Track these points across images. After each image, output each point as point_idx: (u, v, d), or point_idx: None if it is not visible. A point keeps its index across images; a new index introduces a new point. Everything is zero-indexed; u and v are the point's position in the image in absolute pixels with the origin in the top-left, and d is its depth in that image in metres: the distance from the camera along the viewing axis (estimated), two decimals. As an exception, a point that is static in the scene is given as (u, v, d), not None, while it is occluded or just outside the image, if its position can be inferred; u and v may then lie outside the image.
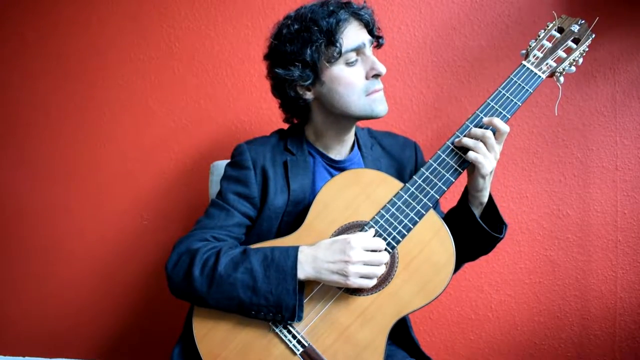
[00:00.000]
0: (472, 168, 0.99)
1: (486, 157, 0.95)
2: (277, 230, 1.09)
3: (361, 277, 0.92)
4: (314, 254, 0.94)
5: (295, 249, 0.95)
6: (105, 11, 1.70)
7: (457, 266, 0.99)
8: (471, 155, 0.95)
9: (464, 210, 1.04)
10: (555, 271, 1.54)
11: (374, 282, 0.94)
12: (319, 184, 1.09)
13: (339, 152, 1.15)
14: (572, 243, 1.52)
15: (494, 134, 0.96)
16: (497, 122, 0.96)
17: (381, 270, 0.94)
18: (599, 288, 1.51)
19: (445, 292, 0.99)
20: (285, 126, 1.21)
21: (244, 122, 1.66)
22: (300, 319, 0.95)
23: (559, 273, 1.53)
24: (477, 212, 1.03)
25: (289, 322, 0.95)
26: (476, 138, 0.96)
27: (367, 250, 0.93)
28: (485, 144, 0.95)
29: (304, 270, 0.93)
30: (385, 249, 0.96)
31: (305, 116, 1.14)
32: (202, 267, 0.96)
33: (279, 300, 0.93)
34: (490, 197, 1.04)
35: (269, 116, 1.64)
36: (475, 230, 1.02)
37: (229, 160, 1.16)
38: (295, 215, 1.08)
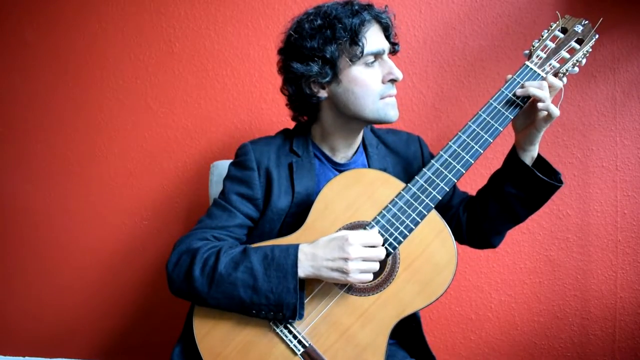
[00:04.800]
0: (523, 121, 1.01)
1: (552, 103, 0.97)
2: (279, 231, 1.09)
3: (361, 272, 0.92)
4: (314, 252, 0.94)
5: (295, 248, 0.95)
6: (105, 11, 1.70)
7: (502, 233, 1.05)
8: (541, 105, 0.96)
9: (516, 167, 1.03)
10: (555, 271, 1.54)
11: (372, 276, 0.94)
12: (323, 186, 1.09)
13: (345, 154, 1.14)
14: (572, 243, 1.52)
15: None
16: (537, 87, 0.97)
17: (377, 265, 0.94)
18: (599, 288, 1.51)
19: (446, 292, 0.99)
20: (291, 125, 1.21)
21: (244, 122, 1.65)
22: (301, 317, 0.95)
23: (559, 273, 1.54)
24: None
25: (289, 321, 0.95)
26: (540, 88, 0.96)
27: (365, 246, 0.93)
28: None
29: (304, 268, 0.93)
30: (385, 248, 0.95)
31: (313, 115, 1.13)
32: (203, 266, 0.96)
33: (279, 299, 0.93)
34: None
35: (269, 116, 1.64)
36: (530, 184, 1.02)
37: (231, 160, 1.15)
38: (297, 217, 1.07)
